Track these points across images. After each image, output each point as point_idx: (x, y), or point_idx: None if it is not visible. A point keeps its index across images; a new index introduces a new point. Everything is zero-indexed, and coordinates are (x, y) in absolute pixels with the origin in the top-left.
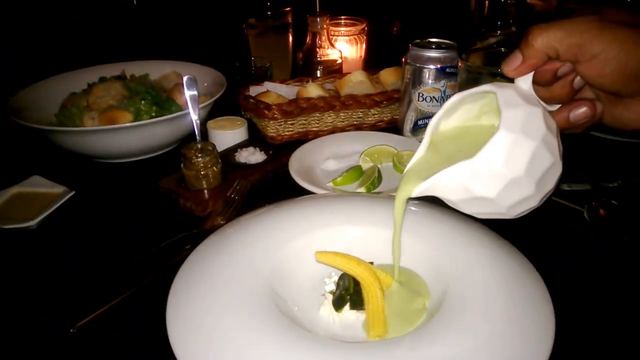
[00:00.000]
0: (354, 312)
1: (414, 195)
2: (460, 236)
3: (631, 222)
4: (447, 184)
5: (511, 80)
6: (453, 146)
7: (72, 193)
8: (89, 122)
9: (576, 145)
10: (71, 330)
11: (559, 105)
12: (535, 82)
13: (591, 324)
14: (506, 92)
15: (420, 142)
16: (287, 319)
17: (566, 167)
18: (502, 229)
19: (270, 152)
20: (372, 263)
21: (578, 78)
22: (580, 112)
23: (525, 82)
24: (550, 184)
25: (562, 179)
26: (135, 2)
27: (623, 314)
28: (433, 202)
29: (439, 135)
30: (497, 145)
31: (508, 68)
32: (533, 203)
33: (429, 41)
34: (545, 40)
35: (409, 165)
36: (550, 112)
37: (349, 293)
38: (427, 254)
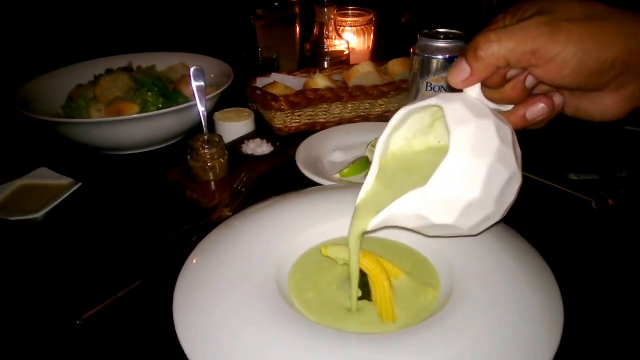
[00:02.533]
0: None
1: (369, 229)
2: None
3: None
4: (402, 215)
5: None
6: (405, 171)
7: (79, 185)
8: (95, 114)
9: (584, 136)
10: (77, 322)
11: (512, 105)
12: (484, 85)
13: (599, 314)
14: (454, 106)
15: None
16: (294, 311)
17: (574, 157)
18: (510, 219)
19: (278, 143)
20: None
21: (530, 77)
22: (538, 109)
23: (473, 89)
24: (510, 197)
25: (571, 169)
26: None
27: (632, 304)
28: None
29: (389, 157)
30: (447, 171)
31: (455, 81)
32: (495, 219)
33: (438, 31)
34: (495, 52)
35: (359, 197)
36: (505, 113)
37: None
38: (436, 243)
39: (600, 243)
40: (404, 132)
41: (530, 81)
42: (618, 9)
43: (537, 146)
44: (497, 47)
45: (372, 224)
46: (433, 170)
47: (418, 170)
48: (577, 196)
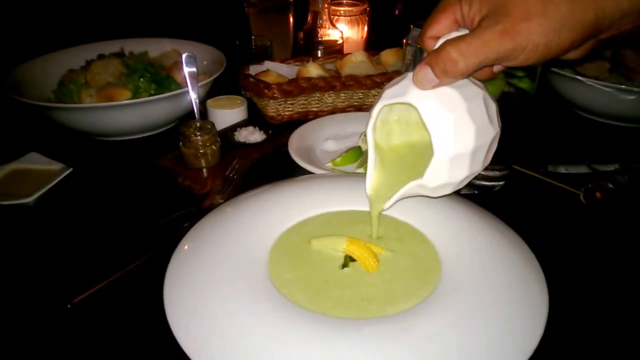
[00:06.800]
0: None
1: (385, 209)
2: (458, 216)
3: (627, 205)
4: (407, 195)
5: None
6: (399, 155)
7: (70, 170)
8: (87, 99)
9: (573, 129)
10: (68, 307)
11: None
12: None
13: (585, 305)
14: (427, 105)
15: None
16: (285, 298)
17: (564, 150)
18: (499, 211)
19: (270, 131)
20: None
21: None
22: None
23: None
24: (493, 151)
25: (559, 162)
26: None
27: (617, 296)
28: None
29: (382, 143)
30: (437, 168)
31: (423, 87)
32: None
33: None
34: (462, 69)
35: (368, 188)
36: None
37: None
38: (426, 233)
39: (587, 235)
40: (390, 118)
41: (497, 67)
42: None
43: (527, 140)
44: (463, 65)
45: (386, 206)
46: (423, 154)
47: (410, 152)
48: (565, 189)
